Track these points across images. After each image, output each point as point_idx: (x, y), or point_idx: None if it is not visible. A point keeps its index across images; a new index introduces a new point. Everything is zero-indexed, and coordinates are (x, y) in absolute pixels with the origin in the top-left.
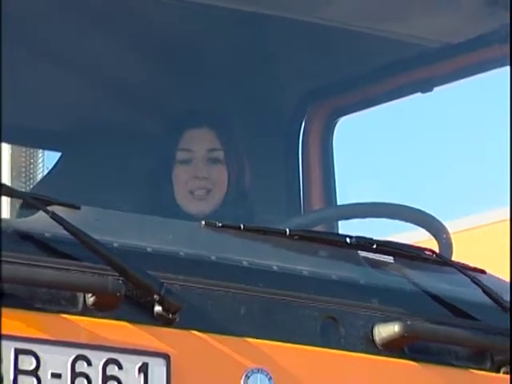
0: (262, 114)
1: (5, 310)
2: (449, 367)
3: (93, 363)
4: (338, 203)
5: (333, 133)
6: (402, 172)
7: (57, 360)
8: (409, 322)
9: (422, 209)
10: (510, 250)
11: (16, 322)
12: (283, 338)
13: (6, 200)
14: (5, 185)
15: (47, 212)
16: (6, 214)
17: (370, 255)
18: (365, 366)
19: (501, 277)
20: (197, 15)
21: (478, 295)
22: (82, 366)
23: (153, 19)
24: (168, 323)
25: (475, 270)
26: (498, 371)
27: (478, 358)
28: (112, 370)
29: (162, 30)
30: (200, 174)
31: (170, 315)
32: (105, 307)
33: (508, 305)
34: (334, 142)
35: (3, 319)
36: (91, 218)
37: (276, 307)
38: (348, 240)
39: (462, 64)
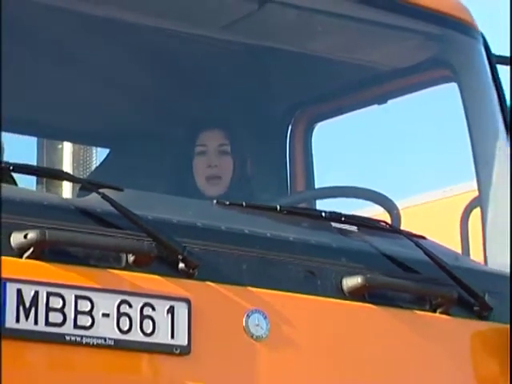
0: (259, 119)
1: (68, 266)
2: (399, 309)
3: (133, 306)
4: (316, 187)
5: (312, 134)
6: (366, 163)
7: (106, 303)
8: (368, 275)
9: (379, 190)
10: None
11: (76, 275)
12: (275, 286)
13: (69, 184)
14: (68, 173)
15: (99, 193)
16: (69, 195)
17: (340, 225)
18: (335, 308)
19: (437, 241)
20: (210, 47)
21: (420, 255)
22: (125, 308)
23: (174, 50)
24: (189, 276)
25: (418, 236)
26: (434, 311)
27: (421, 302)
28: (147, 311)
29: (185, 59)
30: (212, 163)
31: (191, 270)
32: (141, 264)
33: (442, 262)
34: (312, 140)
35: (69, 273)
36: (132, 197)
37: (269, 264)
38: (323, 214)
39: (406, 83)
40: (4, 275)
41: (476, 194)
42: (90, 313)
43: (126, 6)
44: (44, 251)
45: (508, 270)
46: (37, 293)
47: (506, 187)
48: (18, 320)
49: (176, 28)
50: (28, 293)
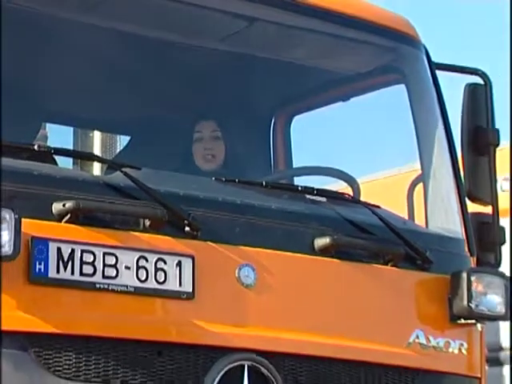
0: (247, 112)
1: (97, 229)
2: (358, 262)
3: (149, 260)
4: (294, 167)
5: (290, 125)
6: (335, 148)
7: (127, 258)
8: (335, 237)
9: (344, 169)
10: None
11: (103, 235)
12: (261, 245)
13: (98, 164)
14: (97, 155)
15: (121, 171)
16: (98, 173)
17: (312, 197)
18: (308, 262)
19: (389, 210)
20: (209, 56)
21: (375, 221)
22: (142, 262)
23: (181, 59)
24: (193, 237)
25: (374, 205)
26: (386, 264)
27: (375, 257)
28: (160, 264)
29: (188, 66)
30: (208, 147)
31: (194, 232)
32: (155, 227)
33: (392, 225)
34: (291, 130)
35: (98, 234)
36: (147, 175)
37: (256, 227)
38: (299, 188)
39: (365, 84)
40: (47, 236)
41: (419, 172)
42: (114, 266)
43: (153, 24)
44: (78, 217)
45: (445, 233)
46: (73, 250)
47: (443, 167)
48: (58, 271)
49: (184, 41)
50: (66, 250)
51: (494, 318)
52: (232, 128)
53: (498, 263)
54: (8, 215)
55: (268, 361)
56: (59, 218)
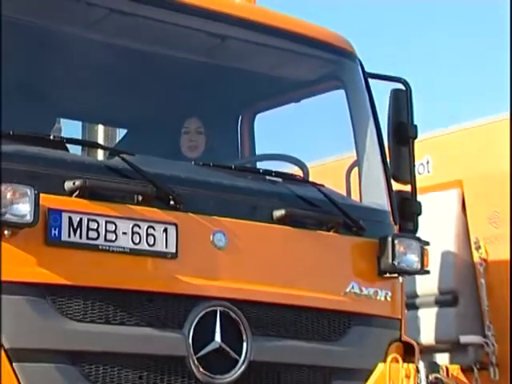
0: (221, 112)
1: (100, 202)
2: (307, 229)
3: (141, 227)
4: (257, 154)
5: (254, 121)
6: (291, 139)
7: (124, 225)
8: (289, 209)
9: (296, 156)
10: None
11: (105, 207)
12: (231, 215)
13: (101, 151)
14: (101, 144)
15: (119, 157)
16: (101, 158)
17: (271, 178)
18: (268, 229)
19: (332, 188)
20: (193, 66)
21: (321, 196)
22: (136, 229)
23: (172, 69)
24: (177, 209)
25: (319, 184)
26: (329, 231)
27: (320, 225)
28: (150, 230)
29: (178, 74)
30: (193, 139)
31: (178, 205)
32: (147, 201)
33: (334, 200)
34: (255, 125)
35: (101, 206)
36: (141, 160)
37: (228, 201)
38: (261, 171)
39: (313, 89)
40: (60, 207)
41: (355, 158)
42: (114, 231)
43: (147, 40)
44: (85, 193)
45: (374, 206)
46: (81, 219)
47: (373, 155)
48: (69, 236)
49: (174, 54)
50: (75, 219)
51: (412, 273)
52: (211, 124)
53: (415, 230)
54: (29, 191)
55: (236, 307)
56: (70, 193)
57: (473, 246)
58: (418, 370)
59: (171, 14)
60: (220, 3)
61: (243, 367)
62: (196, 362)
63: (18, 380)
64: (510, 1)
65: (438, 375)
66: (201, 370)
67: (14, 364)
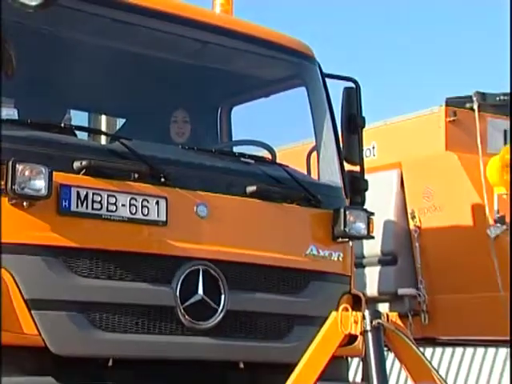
0: (203, 105)
1: (103, 179)
2: (275, 202)
3: (137, 200)
4: (233, 139)
5: (231, 113)
6: (261, 128)
7: (123, 198)
8: (259, 185)
9: (265, 142)
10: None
11: (107, 184)
12: (212, 190)
13: (104, 137)
14: (104, 131)
15: (119, 141)
16: (104, 143)
17: (244, 159)
18: (242, 202)
19: (294, 168)
20: (180, 66)
21: (286, 175)
22: (133, 201)
23: (162, 69)
24: (166, 185)
25: (284, 165)
26: (292, 203)
27: (285, 198)
28: (144, 203)
29: (167, 74)
30: (180, 127)
31: (167, 182)
32: (141, 178)
33: (296, 177)
34: (231, 116)
35: (103, 182)
36: (137, 144)
37: (209, 178)
38: (236, 154)
39: (280, 86)
40: (70, 183)
41: (314, 144)
42: (114, 203)
43: (145, 45)
44: (90, 171)
45: (330, 183)
46: (87, 193)
47: (329, 141)
48: (77, 206)
49: (164, 56)
50: (82, 193)
51: (360, 238)
52: (195, 115)
53: (363, 203)
54: (44, 169)
55: (215, 266)
56: (78, 171)
57: (409, 216)
58: (364, 317)
59: (163, 23)
60: (203, 14)
61: (221, 315)
62: (182, 311)
63: (35, 324)
64: (510, 0)
65: (380, 321)
66: (186, 317)
67: (32, 311)
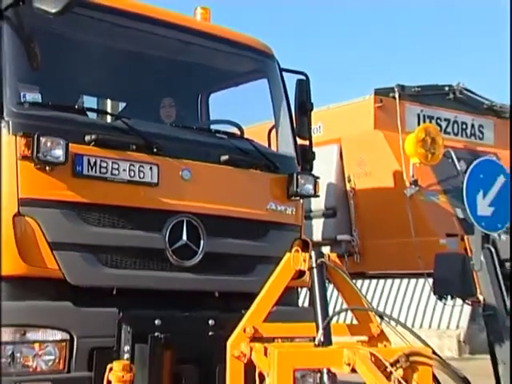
0: (186, 93)
1: (107, 149)
2: (242, 168)
3: (135, 166)
4: (211, 119)
5: (209, 98)
6: (232, 112)
7: (124, 165)
8: (230, 155)
9: (236, 121)
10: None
11: (111, 153)
12: (194, 158)
13: (109, 116)
14: (109, 112)
15: (121, 120)
16: (109, 120)
17: (219, 135)
18: (218, 168)
19: (258, 142)
20: (168, 63)
21: (251, 148)
22: (131, 167)
23: (152, 65)
24: (158, 154)
25: (250, 140)
26: (256, 169)
27: (250, 165)
28: (141, 168)
29: (158, 69)
30: (167, 110)
31: (159, 152)
32: (138, 149)
33: (259, 149)
34: (209, 101)
35: (108, 152)
36: (134, 122)
37: (191, 149)
38: (213, 130)
39: (248, 77)
40: (82, 152)
41: (273, 123)
42: (117, 169)
43: (140, 44)
44: (98, 143)
45: (286, 154)
46: (96, 160)
47: (285, 121)
48: (88, 171)
49: (155, 53)
50: (91, 160)
51: (308, 196)
52: (179, 101)
53: (311, 169)
54: (62, 141)
55: (196, 217)
56: (88, 143)
57: (346, 180)
58: (310, 257)
59: (154, 26)
60: (186, 20)
61: (201, 256)
62: (170, 252)
63: (56, 261)
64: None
65: (323, 259)
66: (173, 257)
67: (53, 251)
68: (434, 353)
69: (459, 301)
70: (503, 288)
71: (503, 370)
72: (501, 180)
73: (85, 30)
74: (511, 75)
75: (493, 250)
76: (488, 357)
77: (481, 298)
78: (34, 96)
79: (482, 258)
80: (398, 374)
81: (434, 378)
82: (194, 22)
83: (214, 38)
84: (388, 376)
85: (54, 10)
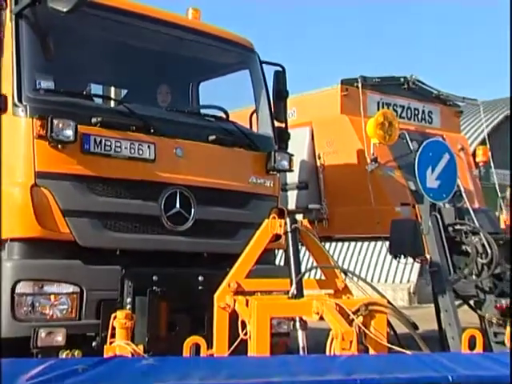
0: (180, 82)
1: (111, 130)
2: (226, 146)
3: (135, 144)
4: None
5: (199, 87)
6: (220, 96)
7: (125, 143)
8: (217, 135)
9: (221, 106)
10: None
11: (114, 133)
12: (186, 138)
13: (113, 102)
14: (112, 97)
15: (123, 105)
16: (113, 105)
17: (208, 118)
18: (206, 146)
19: (240, 123)
20: (163, 57)
21: (234, 128)
22: (132, 145)
23: (150, 58)
24: (155, 135)
25: (234, 122)
26: (240, 148)
27: (233, 143)
28: (139, 147)
29: (155, 62)
30: (163, 96)
31: (155, 132)
32: (138, 130)
33: (241, 129)
34: (199, 89)
35: (110, 131)
36: (135, 106)
37: (183, 129)
38: (202, 114)
39: (233, 68)
40: (89, 132)
41: (254, 108)
42: (120, 147)
43: (140, 39)
44: (103, 124)
45: (265, 134)
46: (101, 139)
47: (264, 106)
48: (94, 148)
49: (153, 48)
50: (97, 139)
51: (284, 171)
52: (174, 88)
53: (286, 148)
54: (72, 123)
55: (188, 189)
56: (95, 124)
57: (317, 157)
58: (285, 223)
59: (152, 24)
60: (179, 19)
61: (191, 222)
62: (166, 218)
63: (68, 226)
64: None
65: (296, 225)
66: (168, 223)
67: (65, 217)
68: (388, 303)
69: (410, 259)
70: (446, 249)
71: (444, 316)
72: (446, 157)
73: (92, 27)
74: (511, 73)
75: (439, 216)
76: (432, 305)
77: (428, 256)
78: (48, 84)
79: (430, 224)
80: (358, 320)
81: (389, 323)
82: (187, 20)
83: (203, 34)
84: (350, 322)
85: (65, 9)
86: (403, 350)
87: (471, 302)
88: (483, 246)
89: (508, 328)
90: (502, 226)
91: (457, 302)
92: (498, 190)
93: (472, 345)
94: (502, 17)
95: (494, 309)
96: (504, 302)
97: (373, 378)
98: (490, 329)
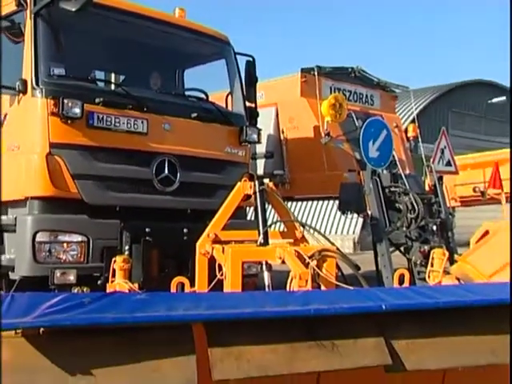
0: (168, 70)
1: (112, 108)
2: (207, 123)
3: (131, 120)
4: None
5: (184, 74)
6: (199, 80)
7: (123, 119)
8: (199, 112)
9: (203, 89)
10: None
11: (113, 111)
12: (173, 115)
13: (113, 85)
14: (113, 81)
15: (121, 88)
16: (113, 88)
17: (191, 99)
18: (189, 122)
19: (219, 104)
20: (154, 50)
21: (213, 108)
22: (129, 121)
23: (145, 52)
24: (148, 112)
25: (213, 102)
26: (221, 124)
27: (214, 120)
28: (135, 122)
29: (149, 55)
30: (154, 81)
31: (148, 110)
32: (134, 108)
33: (220, 109)
34: (184, 76)
35: (111, 112)
36: (131, 89)
37: (171, 108)
38: (186, 95)
39: (211, 57)
40: (93, 110)
41: (229, 91)
42: (119, 122)
43: (134, 33)
44: (105, 103)
45: (238, 112)
46: (103, 115)
47: (238, 90)
48: (98, 123)
49: (145, 41)
50: (100, 115)
51: (254, 143)
52: (163, 75)
53: (255, 124)
54: (79, 102)
55: (175, 157)
56: (98, 104)
57: (281, 132)
58: (255, 185)
59: (145, 21)
60: (167, 17)
61: (177, 184)
62: (156, 181)
63: (76, 187)
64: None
65: (264, 187)
66: (158, 185)
67: (75, 180)
68: (337, 249)
69: (355, 215)
70: (384, 206)
71: (380, 260)
72: (384, 133)
73: (96, 23)
74: (511, 69)
75: (378, 180)
76: (372, 251)
77: (369, 212)
78: (60, 70)
79: (371, 186)
80: (313, 264)
81: (337, 265)
82: (174, 18)
83: (187, 29)
84: (306, 265)
85: (74, 9)
86: (348, 287)
87: (402, 248)
88: (412, 204)
89: (428, 267)
90: (427, 188)
91: (391, 249)
92: (424, 160)
93: (401, 281)
94: (433, 19)
95: (419, 253)
96: (426, 247)
97: (323, 308)
98: (415, 269)
